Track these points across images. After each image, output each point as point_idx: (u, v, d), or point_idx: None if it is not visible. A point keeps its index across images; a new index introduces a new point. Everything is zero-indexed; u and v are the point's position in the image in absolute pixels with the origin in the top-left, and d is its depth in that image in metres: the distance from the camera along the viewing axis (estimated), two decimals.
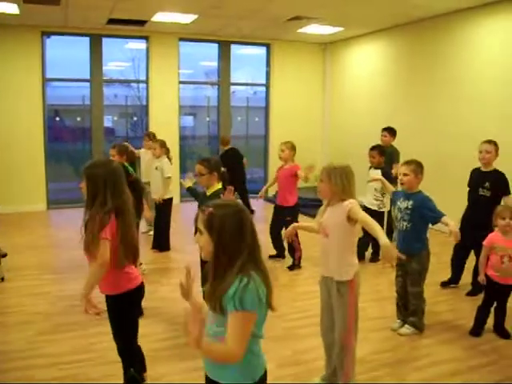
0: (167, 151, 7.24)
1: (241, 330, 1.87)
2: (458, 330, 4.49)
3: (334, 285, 3.28)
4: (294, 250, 6.23)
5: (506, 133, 6.86)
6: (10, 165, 9.19)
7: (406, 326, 4.42)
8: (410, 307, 4.42)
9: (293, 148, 6.30)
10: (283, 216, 6.22)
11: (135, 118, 12.09)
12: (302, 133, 11.10)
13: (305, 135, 11.16)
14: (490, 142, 5.20)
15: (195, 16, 8.46)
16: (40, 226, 8.49)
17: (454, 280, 5.64)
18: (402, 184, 4.39)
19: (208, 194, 4.31)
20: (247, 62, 12.10)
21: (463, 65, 7.86)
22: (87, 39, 9.90)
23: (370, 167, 6.45)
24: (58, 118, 11.35)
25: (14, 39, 9.22)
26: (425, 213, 4.21)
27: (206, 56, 11.57)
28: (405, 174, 4.30)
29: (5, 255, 5.74)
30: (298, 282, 5.73)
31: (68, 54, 10.51)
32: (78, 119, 11.33)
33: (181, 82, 10.66)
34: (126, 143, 7.10)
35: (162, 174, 6.90)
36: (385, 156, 6.41)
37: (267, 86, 11.40)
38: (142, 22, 9.04)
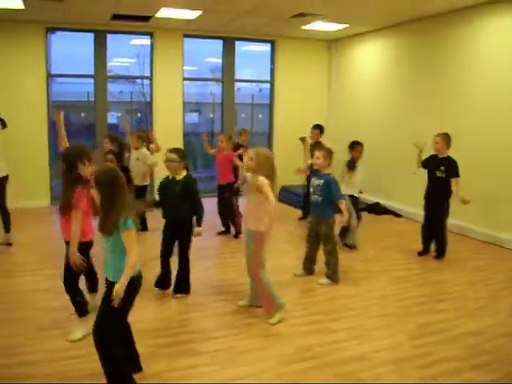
0: (147, 143, 7.75)
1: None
2: (459, 328, 4.46)
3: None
4: (237, 223, 7.45)
5: None
6: (15, 160, 9.16)
7: (324, 277, 5.58)
8: (325, 262, 5.61)
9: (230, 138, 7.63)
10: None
11: (139, 115, 12.09)
12: (306, 130, 11.06)
13: (309, 132, 11.12)
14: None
15: (199, 12, 8.44)
16: (43, 221, 8.50)
17: (426, 250, 6.72)
18: (315, 165, 5.59)
19: (177, 178, 4.99)
20: (252, 58, 12.06)
21: (470, 62, 7.79)
22: (92, 35, 9.88)
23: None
24: (62, 113, 11.35)
25: (19, 35, 9.22)
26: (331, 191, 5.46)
27: (210, 52, 11.54)
28: (317, 158, 5.52)
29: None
30: (299, 280, 5.70)
31: (72, 50, 10.51)
32: (82, 115, 11.34)
33: (185, 79, 10.63)
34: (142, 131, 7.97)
35: (142, 163, 7.42)
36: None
37: (272, 82, 11.37)
38: (146, 18, 9.02)
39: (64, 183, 3.98)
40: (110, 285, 3.16)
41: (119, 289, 3.04)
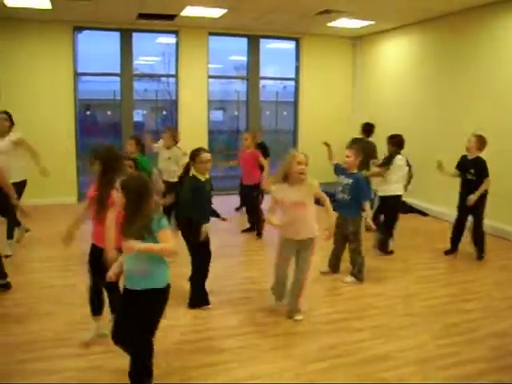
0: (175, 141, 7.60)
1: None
2: (485, 328, 4.40)
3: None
4: (260, 221, 7.32)
5: None
6: (43, 158, 9.34)
7: (349, 276, 5.55)
8: (350, 260, 5.58)
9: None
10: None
11: (165, 113, 12.19)
12: (331, 127, 11.02)
13: (334, 130, 11.07)
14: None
15: (224, 10, 8.46)
16: (70, 218, 8.60)
17: (454, 249, 6.58)
18: (345, 164, 5.56)
19: (207, 177, 4.86)
20: (277, 56, 12.06)
21: (498, 60, 7.65)
22: (118, 34, 9.99)
23: None
24: (88, 112, 11.52)
25: (47, 34, 9.38)
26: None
27: (234, 50, 11.57)
28: (347, 156, 5.51)
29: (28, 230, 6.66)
30: (324, 277, 5.69)
31: (99, 49, 10.64)
32: (109, 113, 11.48)
33: (210, 77, 10.67)
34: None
35: (175, 163, 7.28)
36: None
37: (296, 80, 11.34)
38: (171, 17, 9.08)
39: (100, 184, 3.91)
40: (146, 294, 3.13)
41: (152, 246, 3.06)
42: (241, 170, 7.85)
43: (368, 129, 8.18)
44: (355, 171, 5.50)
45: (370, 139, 8.11)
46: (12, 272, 5.58)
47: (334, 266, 5.79)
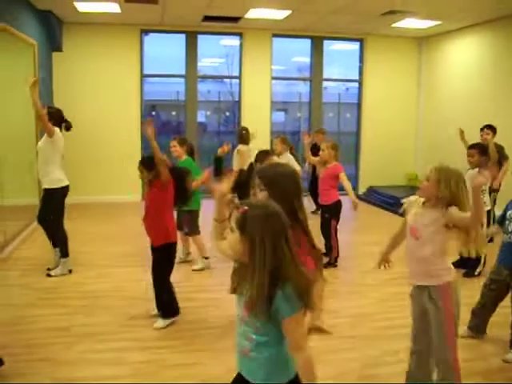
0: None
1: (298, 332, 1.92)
2: None
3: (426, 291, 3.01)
4: (331, 248, 6.13)
5: None
6: (110, 157, 9.68)
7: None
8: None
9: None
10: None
11: (227, 114, 12.32)
12: (394, 130, 10.86)
13: (398, 133, 10.91)
14: None
15: (288, 12, 8.48)
16: (136, 214, 8.83)
17: None
18: None
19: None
20: (340, 57, 11.96)
21: None
22: (183, 36, 10.20)
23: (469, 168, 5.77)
24: (153, 113, 11.80)
25: (116, 37, 9.70)
26: None
27: (297, 51, 11.55)
28: None
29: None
30: (389, 282, 5.57)
31: (164, 51, 10.88)
32: (173, 114, 11.72)
33: (273, 78, 10.72)
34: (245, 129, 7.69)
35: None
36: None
37: (360, 81, 11.21)
38: (235, 19, 9.18)
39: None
40: None
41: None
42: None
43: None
44: None
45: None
46: (82, 267, 5.81)
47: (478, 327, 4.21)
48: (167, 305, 4.34)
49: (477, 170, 5.46)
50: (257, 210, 1.92)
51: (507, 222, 3.88)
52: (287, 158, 6.75)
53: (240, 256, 1.96)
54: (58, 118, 5.52)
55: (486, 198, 5.63)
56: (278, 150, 6.91)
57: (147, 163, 4.32)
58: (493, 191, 6.41)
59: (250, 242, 1.88)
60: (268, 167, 2.65)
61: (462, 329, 4.00)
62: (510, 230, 3.83)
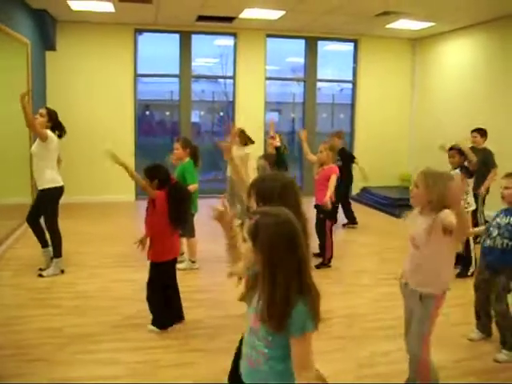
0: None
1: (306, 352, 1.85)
2: None
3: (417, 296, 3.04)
4: (326, 248, 6.14)
5: None
6: (104, 156, 9.63)
7: (503, 351, 3.88)
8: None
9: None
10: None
11: (221, 114, 12.31)
12: (388, 131, 10.90)
13: (391, 133, 10.95)
14: None
15: (283, 12, 8.48)
16: (128, 215, 8.84)
17: None
18: (502, 198, 3.97)
19: None
20: (334, 58, 11.97)
21: None
22: (177, 36, 10.19)
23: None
24: (147, 113, 11.78)
25: (110, 36, 9.68)
26: None
27: (292, 52, 11.56)
28: (506, 188, 3.91)
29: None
30: (382, 282, 5.60)
31: (158, 51, 10.86)
32: (167, 113, 11.70)
33: (267, 78, 10.72)
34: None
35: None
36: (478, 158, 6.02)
37: (354, 82, 11.23)
38: (230, 19, 9.18)
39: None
40: None
41: None
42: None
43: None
44: None
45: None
46: (74, 267, 5.80)
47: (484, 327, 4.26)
48: (155, 315, 4.26)
49: (458, 170, 5.60)
50: (268, 218, 1.86)
51: (491, 229, 3.97)
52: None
53: (252, 265, 1.92)
54: (55, 120, 5.55)
55: (470, 198, 5.81)
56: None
57: (146, 172, 4.29)
58: (477, 196, 6.52)
59: (261, 251, 1.83)
60: (261, 180, 2.47)
61: (473, 331, 4.24)
62: (493, 235, 3.93)
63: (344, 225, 8.18)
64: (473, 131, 7.02)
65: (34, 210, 5.64)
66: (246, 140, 7.65)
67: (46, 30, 8.85)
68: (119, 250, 6.51)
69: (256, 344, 1.93)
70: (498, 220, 3.97)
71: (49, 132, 5.40)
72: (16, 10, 7.43)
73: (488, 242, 3.97)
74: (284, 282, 1.79)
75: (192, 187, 5.37)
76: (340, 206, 7.83)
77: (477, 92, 9.27)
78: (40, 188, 5.48)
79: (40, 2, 7.97)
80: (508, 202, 3.94)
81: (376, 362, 3.80)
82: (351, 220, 8.19)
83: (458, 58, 9.87)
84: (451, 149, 5.90)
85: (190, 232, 5.78)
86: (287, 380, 1.90)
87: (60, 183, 5.56)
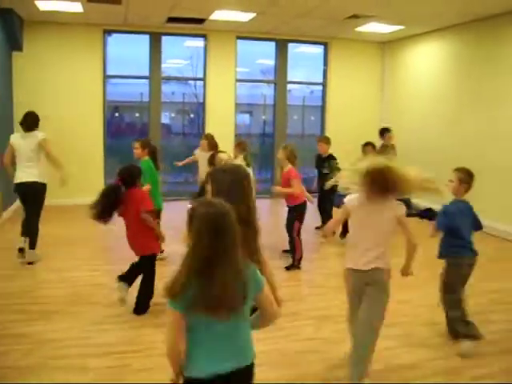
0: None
1: None
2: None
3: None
4: (294, 250, 6.18)
5: None
6: (71, 159, 9.47)
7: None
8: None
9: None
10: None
11: (192, 115, 12.27)
12: (358, 133, 10.94)
13: (361, 135, 10.95)
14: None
15: (253, 14, 8.49)
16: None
17: None
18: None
19: None
20: (304, 60, 12.03)
21: None
22: (147, 37, 10.11)
23: None
24: (117, 114, 11.65)
25: (78, 37, 9.54)
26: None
27: (262, 54, 11.58)
28: (450, 181, 4.17)
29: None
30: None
31: (128, 52, 10.76)
32: (137, 115, 11.61)
33: (238, 80, 10.72)
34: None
35: None
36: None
37: (324, 84, 11.31)
38: (200, 21, 9.15)
39: None
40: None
41: None
42: None
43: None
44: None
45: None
46: (41, 270, 5.70)
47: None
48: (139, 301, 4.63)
49: None
50: (202, 208, 2.03)
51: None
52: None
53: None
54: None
55: None
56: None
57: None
58: None
59: (190, 236, 2.01)
60: (222, 171, 2.69)
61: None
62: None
63: (317, 227, 8.21)
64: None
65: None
66: (213, 146, 7.46)
67: (13, 30, 8.65)
68: (88, 254, 6.43)
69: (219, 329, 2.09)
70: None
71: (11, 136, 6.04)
72: None
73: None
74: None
75: (145, 188, 5.51)
76: (321, 210, 7.97)
77: (445, 94, 9.43)
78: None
79: (7, 1, 7.82)
80: (453, 193, 4.17)
81: (348, 363, 3.82)
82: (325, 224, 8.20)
83: (427, 61, 10.03)
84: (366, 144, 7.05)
85: None
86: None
87: (17, 180, 5.99)
